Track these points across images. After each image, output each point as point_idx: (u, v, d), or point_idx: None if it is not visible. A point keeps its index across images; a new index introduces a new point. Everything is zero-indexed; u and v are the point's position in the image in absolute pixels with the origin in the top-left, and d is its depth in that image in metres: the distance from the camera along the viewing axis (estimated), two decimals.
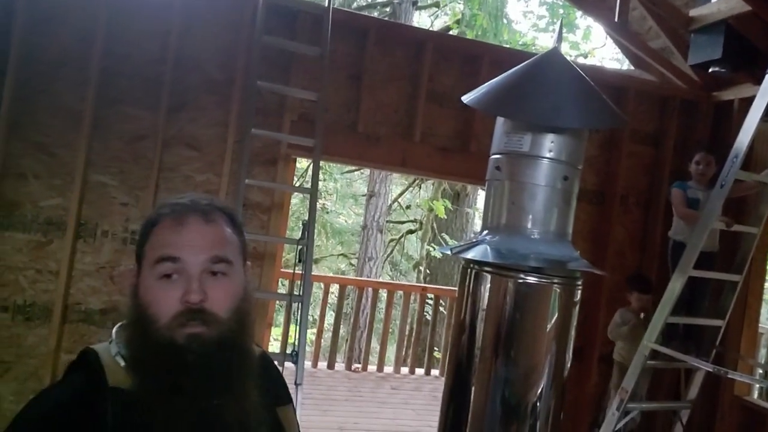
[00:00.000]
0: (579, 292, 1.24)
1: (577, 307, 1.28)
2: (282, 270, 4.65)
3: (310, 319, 5.03)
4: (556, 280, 1.23)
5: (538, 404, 1.21)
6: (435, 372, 5.68)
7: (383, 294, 5.81)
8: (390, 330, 5.96)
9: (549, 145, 1.25)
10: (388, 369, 5.59)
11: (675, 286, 3.21)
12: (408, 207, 10.33)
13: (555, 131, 1.25)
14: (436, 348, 6.24)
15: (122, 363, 0.86)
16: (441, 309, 6.15)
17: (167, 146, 3.32)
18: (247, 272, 0.96)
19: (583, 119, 1.28)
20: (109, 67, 3.22)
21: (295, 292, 3.35)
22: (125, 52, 3.26)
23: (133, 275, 0.92)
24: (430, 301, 6.40)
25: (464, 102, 1.26)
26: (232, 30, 3.42)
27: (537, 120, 1.22)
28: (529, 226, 1.27)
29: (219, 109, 3.40)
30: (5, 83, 3.05)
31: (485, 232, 1.31)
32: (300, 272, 3.34)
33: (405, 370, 5.63)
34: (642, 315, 3.77)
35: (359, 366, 5.52)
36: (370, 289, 6.18)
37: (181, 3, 3.31)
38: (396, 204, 10.04)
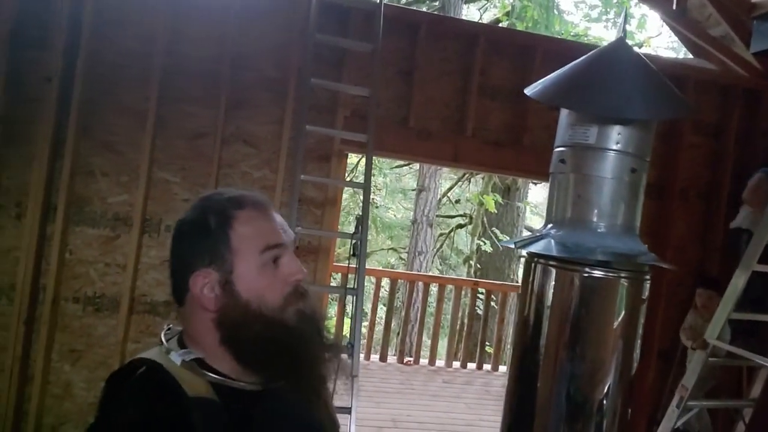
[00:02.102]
0: (647, 287, 1.21)
1: (645, 304, 1.25)
2: (334, 264, 4.71)
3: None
4: (623, 275, 1.21)
5: (604, 402, 1.19)
6: (487, 367, 5.66)
7: (434, 288, 5.82)
8: (441, 324, 5.96)
9: (616, 137, 1.23)
10: (440, 363, 5.61)
11: (738, 281, 3.11)
12: (457, 201, 10.28)
13: (622, 123, 1.23)
14: (487, 343, 6.21)
15: (195, 370, 0.85)
16: (493, 304, 6.12)
17: (226, 143, 3.42)
18: None
19: (652, 110, 1.25)
20: (170, 67, 3.33)
21: (349, 285, 3.40)
22: (185, 53, 3.37)
23: (213, 279, 0.87)
24: (482, 296, 6.37)
25: (527, 94, 1.25)
26: (286, 28, 3.48)
27: (605, 112, 1.21)
28: (595, 219, 1.25)
29: (274, 106, 3.48)
30: (74, 86, 3.20)
31: (549, 225, 1.30)
32: (354, 266, 3.39)
33: (457, 364, 5.64)
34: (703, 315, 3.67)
35: (411, 359, 5.55)
36: (420, 283, 6.19)
37: (239, 4, 3.39)
38: (445, 198, 10.01)
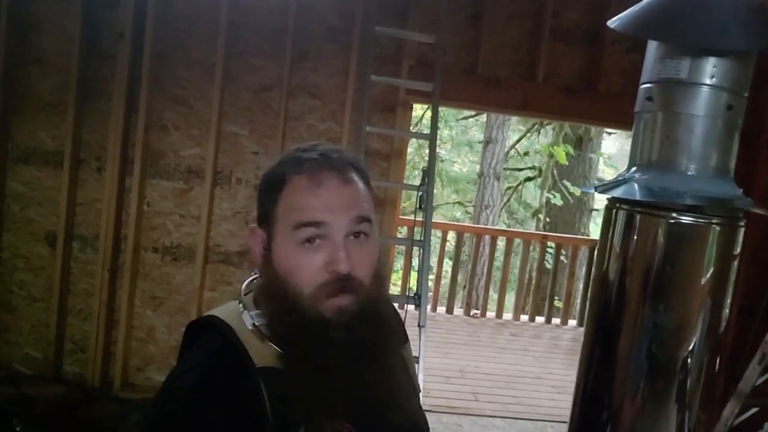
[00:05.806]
0: (741, 237, 1.11)
1: (738, 256, 1.15)
2: (400, 218, 4.70)
3: None
4: (715, 221, 1.11)
5: (689, 361, 1.11)
6: (556, 321, 5.57)
7: (500, 243, 5.73)
8: (508, 278, 5.89)
9: (711, 70, 1.12)
10: (507, 316, 5.57)
11: None
12: (526, 153, 9.98)
13: (718, 54, 1.12)
14: (556, 297, 6.10)
15: (262, 336, 0.80)
16: (562, 258, 5.98)
17: (291, 96, 3.42)
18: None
19: (751, 39, 1.13)
20: (236, 20, 3.33)
21: (415, 238, 3.39)
22: (250, 5, 3.35)
23: (260, 239, 0.84)
24: (551, 250, 6.23)
25: (610, 27, 1.15)
26: None
27: (698, 42, 1.09)
28: (685, 161, 1.15)
29: (339, 57, 3.43)
30: (145, 41, 3.26)
31: (633, 169, 1.21)
32: (420, 219, 3.37)
33: (524, 317, 5.58)
34: None
35: (478, 312, 5.54)
36: (487, 237, 6.11)
37: None
38: (513, 151, 9.74)
